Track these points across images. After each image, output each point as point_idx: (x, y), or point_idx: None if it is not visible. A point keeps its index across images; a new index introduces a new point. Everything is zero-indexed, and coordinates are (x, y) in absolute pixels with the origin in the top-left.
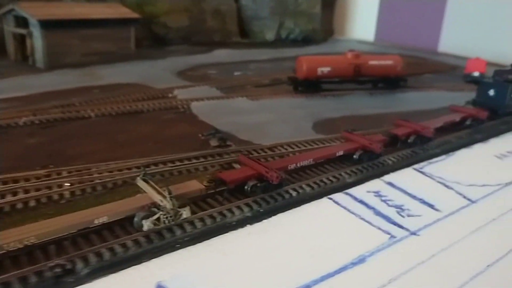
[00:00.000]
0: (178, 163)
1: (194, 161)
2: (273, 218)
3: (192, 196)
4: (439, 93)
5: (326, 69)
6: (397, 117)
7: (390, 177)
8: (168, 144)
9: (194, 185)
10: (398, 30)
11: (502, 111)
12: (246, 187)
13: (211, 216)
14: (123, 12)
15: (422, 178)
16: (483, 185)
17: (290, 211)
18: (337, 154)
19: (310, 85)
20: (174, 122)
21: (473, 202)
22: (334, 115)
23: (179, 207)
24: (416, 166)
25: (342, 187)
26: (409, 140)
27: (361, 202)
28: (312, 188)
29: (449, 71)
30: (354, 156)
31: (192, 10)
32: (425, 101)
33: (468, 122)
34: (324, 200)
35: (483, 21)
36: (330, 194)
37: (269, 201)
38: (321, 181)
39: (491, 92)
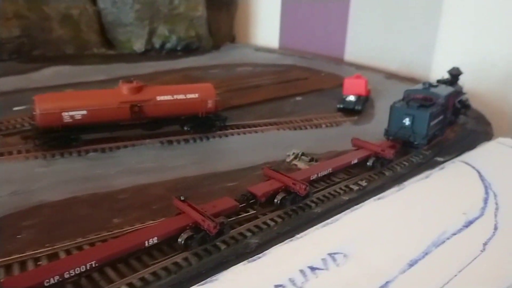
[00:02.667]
0: None
1: None
2: None
3: None
4: (278, 135)
5: (79, 113)
6: (132, 194)
7: None
8: None
9: None
10: (303, 36)
11: (421, 142)
12: None
13: None
14: None
15: None
16: None
17: None
18: (147, 244)
19: (57, 137)
20: None
21: None
22: (62, 194)
23: None
24: None
25: None
26: (275, 200)
27: None
28: None
29: (334, 89)
30: (179, 240)
31: (28, 16)
32: (244, 151)
33: (369, 163)
34: None
35: (388, 27)
36: None
37: None
38: None
39: (407, 121)
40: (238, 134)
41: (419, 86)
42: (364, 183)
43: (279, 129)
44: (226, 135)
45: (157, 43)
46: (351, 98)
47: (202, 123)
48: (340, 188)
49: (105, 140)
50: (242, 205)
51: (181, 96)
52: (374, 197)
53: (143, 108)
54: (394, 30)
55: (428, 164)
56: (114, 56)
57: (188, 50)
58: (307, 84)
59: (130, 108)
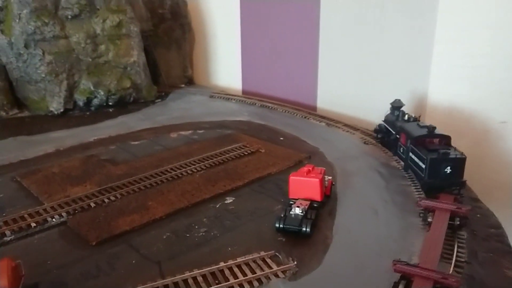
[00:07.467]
0: None
1: None
2: None
3: None
4: None
5: None
6: None
7: None
8: None
9: None
10: (267, 78)
11: (457, 188)
12: None
13: None
14: None
15: None
16: None
17: None
18: None
19: None
20: None
21: None
22: None
23: None
24: None
25: None
26: None
27: None
28: None
29: (286, 172)
30: None
31: None
32: None
33: (457, 222)
34: None
35: (365, 72)
36: None
37: None
38: None
39: (448, 170)
40: None
41: (421, 129)
42: None
43: None
44: None
45: (80, 100)
46: (297, 211)
47: None
48: None
49: None
50: None
51: None
52: None
53: None
54: (372, 75)
55: None
56: (23, 121)
57: (124, 103)
58: (251, 166)
59: None
